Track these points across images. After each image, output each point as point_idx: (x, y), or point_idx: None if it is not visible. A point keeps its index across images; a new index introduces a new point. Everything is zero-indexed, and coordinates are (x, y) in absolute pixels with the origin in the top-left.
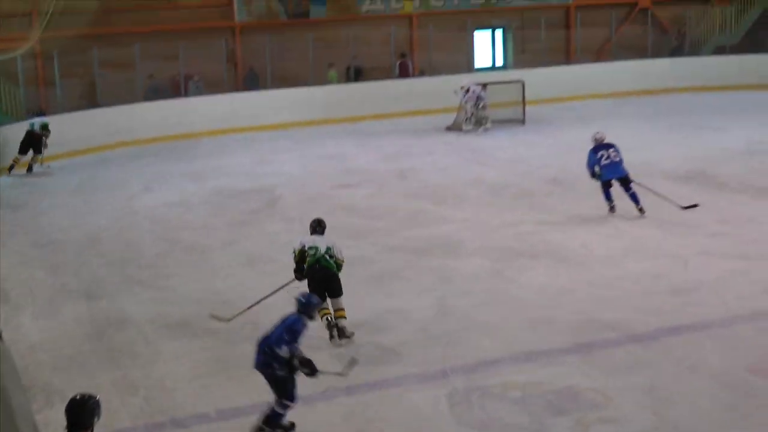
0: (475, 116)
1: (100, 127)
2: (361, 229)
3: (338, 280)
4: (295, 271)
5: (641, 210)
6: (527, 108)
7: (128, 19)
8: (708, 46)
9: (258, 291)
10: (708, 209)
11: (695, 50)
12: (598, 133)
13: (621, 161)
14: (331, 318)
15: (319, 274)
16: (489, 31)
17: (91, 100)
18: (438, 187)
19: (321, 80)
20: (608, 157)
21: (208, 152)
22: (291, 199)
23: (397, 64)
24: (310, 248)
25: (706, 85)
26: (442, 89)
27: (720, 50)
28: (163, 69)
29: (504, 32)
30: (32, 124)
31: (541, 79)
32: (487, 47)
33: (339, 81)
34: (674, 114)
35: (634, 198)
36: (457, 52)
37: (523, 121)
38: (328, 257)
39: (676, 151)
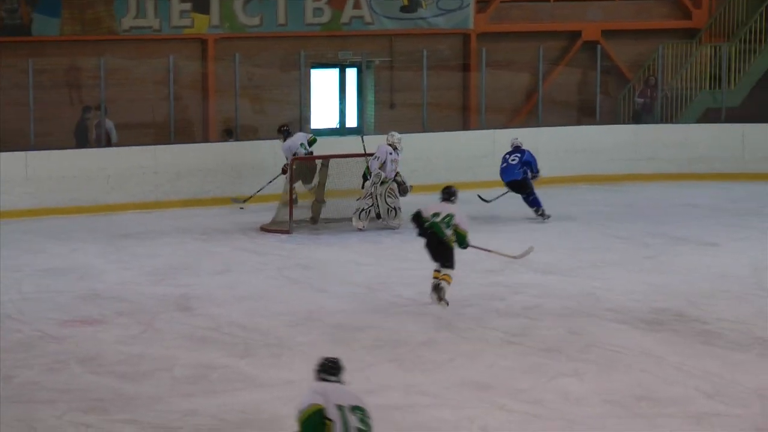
0: (376, 203)
1: None
2: (111, 396)
3: (449, 250)
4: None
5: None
6: (400, 199)
7: None
8: (692, 109)
9: None
10: (690, 375)
11: (671, 114)
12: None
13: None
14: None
15: (430, 239)
16: (335, 71)
17: None
18: (243, 328)
19: (48, 138)
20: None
21: None
22: None
23: None
24: (434, 214)
25: (688, 171)
26: (254, 162)
27: (712, 115)
28: None
29: (359, 73)
30: None
31: (422, 152)
32: (331, 97)
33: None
34: (636, 216)
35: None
36: (280, 103)
37: (395, 220)
38: (444, 224)
39: (639, 279)
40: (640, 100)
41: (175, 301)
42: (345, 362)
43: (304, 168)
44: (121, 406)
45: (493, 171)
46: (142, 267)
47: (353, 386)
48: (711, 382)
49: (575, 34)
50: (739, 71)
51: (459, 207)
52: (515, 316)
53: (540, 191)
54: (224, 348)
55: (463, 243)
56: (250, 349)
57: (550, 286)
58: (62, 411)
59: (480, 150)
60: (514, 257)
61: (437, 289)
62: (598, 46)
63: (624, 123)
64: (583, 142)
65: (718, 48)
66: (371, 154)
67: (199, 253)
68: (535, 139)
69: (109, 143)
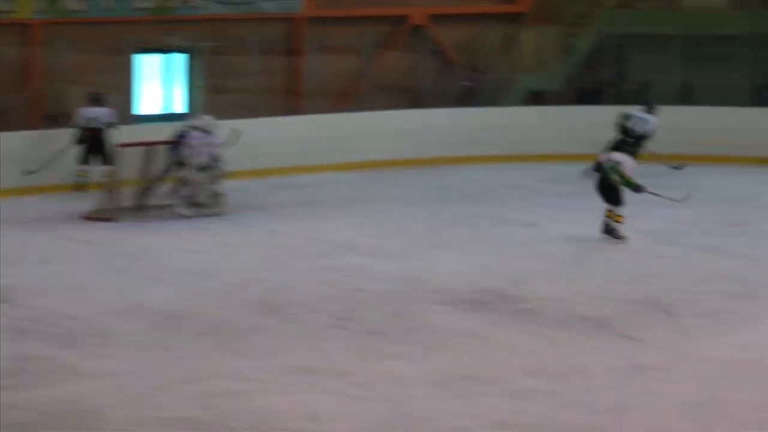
0: (193, 192)
1: None
2: None
3: (616, 191)
4: None
5: None
6: (224, 184)
7: None
8: (516, 92)
9: None
10: (512, 353)
11: (493, 98)
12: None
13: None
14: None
15: (600, 181)
16: (162, 56)
17: None
18: (66, 318)
19: None
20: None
21: None
22: None
23: None
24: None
25: (513, 153)
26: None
27: (535, 98)
28: None
29: (189, 58)
30: None
31: (247, 137)
32: (158, 83)
33: None
34: (459, 198)
35: None
36: (107, 89)
37: (219, 208)
38: (611, 170)
39: (462, 260)
40: (467, 84)
41: None
42: (169, 349)
43: (96, 144)
44: None
45: (320, 155)
46: None
47: (180, 375)
48: (532, 359)
49: (403, 19)
50: (562, 55)
51: (628, 157)
52: (340, 300)
53: (369, 175)
54: (46, 339)
55: (630, 186)
56: (73, 340)
57: (375, 268)
58: None
59: (307, 134)
60: (678, 201)
61: (609, 230)
62: (426, 31)
63: (451, 106)
64: (410, 126)
65: (541, 32)
66: (176, 142)
67: (18, 243)
68: (363, 123)
69: None
